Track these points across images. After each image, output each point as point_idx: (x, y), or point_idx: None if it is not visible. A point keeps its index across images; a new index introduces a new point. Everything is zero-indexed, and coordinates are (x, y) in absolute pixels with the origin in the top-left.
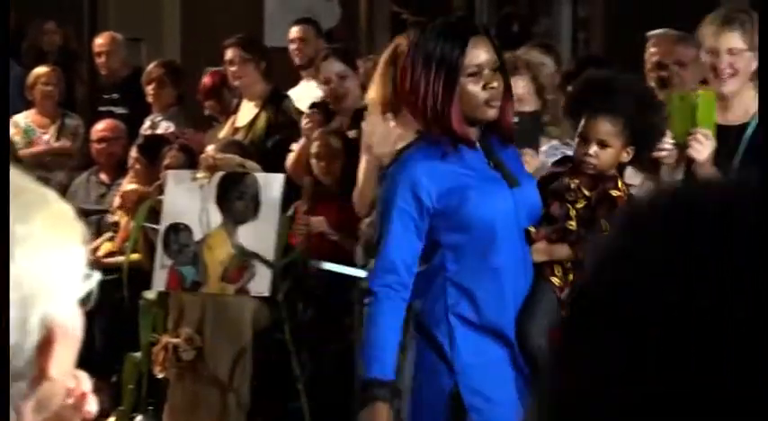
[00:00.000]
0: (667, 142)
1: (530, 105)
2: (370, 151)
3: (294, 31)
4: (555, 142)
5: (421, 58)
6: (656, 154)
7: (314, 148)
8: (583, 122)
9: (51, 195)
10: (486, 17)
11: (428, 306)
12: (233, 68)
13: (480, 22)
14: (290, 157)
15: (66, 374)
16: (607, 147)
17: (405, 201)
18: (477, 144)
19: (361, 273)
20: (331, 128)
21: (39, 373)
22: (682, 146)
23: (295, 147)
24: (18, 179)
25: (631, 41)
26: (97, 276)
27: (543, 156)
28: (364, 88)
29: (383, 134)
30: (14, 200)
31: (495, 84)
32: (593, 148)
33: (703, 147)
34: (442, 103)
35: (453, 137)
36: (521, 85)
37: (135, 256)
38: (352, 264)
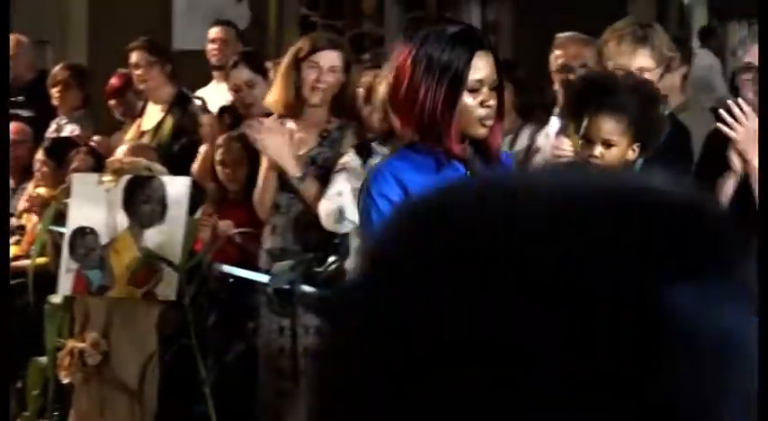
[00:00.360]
0: (567, 150)
1: None
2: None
3: (213, 32)
4: None
5: (423, 64)
6: (554, 153)
7: (218, 155)
8: (585, 123)
9: None
10: (395, 20)
11: None
12: (138, 71)
13: (487, 35)
14: (196, 162)
15: None
16: (612, 146)
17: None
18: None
19: (265, 278)
20: (235, 133)
21: None
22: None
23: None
24: None
25: (540, 44)
26: None
27: None
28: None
29: (279, 139)
30: None
31: (491, 102)
32: (598, 149)
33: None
34: (441, 114)
35: (446, 150)
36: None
37: (41, 260)
38: (256, 268)
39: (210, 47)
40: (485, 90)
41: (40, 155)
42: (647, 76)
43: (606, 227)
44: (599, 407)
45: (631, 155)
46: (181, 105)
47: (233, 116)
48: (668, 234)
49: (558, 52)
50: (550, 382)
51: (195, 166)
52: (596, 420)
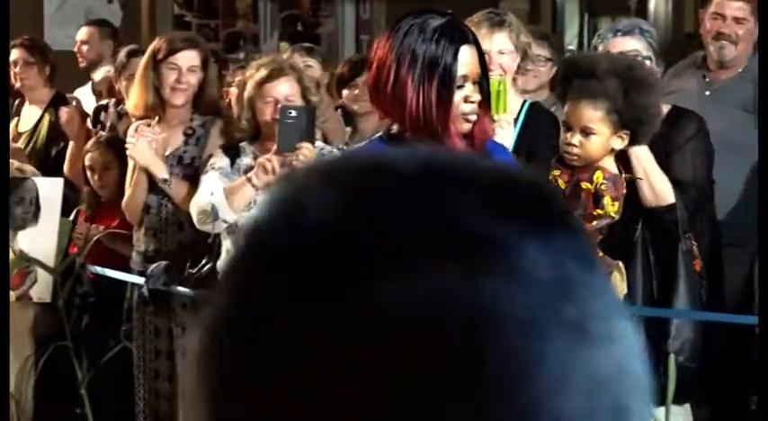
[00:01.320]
0: None
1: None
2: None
3: (80, 34)
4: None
5: (407, 58)
6: None
7: (87, 160)
8: (566, 109)
9: None
10: (269, 18)
11: None
12: (16, 69)
13: (470, 29)
14: (66, 163)
15: None
16: (591, 134)
17: None
18: None
19: (140, 280)
20: (102, 137)
21: None
22: None
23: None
24: None
25: None
26: None
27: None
28: None
29: (143, 142)
30: None
31: (475, 97)
32: (577, 137)
33: (507, 133)
34: (437, 112)
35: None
36: (287, 87)
37: None
38: (128, 270)
39: (80, 47)
40: (468, 85)
41: None
42: (506, 59)
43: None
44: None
45: (619, 143)
46: (57, 106)
47: (117, 114)
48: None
49: None
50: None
51: (66, 167)
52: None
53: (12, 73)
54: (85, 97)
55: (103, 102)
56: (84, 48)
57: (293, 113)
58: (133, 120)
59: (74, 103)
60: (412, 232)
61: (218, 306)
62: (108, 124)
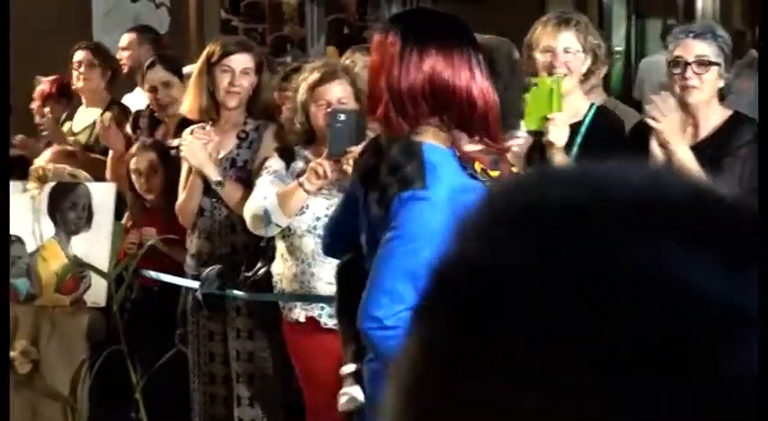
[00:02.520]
0: (521, 132)
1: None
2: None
3: (125, 40)
4: None
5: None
6: (508, 143)
7: (132, 164)
8: None
9: None
10: (315, 22)
11: None
12: (81, 70)
13: None
14: (107, 169)
15: None
16: None
17: None
18: None
19: (193, 284)
20: (148, 141)
21: None
22: (536, 132)
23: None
24: None
25: None
26: None
27: None
28: None
29: (196, 145)
30: None
31: None
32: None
33: (561, 132)
34: (492, 107)
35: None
36: (339, 90)
37: None
38: (182, 274)
39: (123, 54)
40: None
41: None
42: (571, 58)
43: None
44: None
45: None
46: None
47: (150, 120)
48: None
49: None
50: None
51: (107, 174)
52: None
53: (75, 74)
54: (134, 102)
55: (141, 107)
56: (125, 54)
57: (342, 117)
58: (170, 125)
59: (112, 112)
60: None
61: (427, 340)
62: (146, 130)
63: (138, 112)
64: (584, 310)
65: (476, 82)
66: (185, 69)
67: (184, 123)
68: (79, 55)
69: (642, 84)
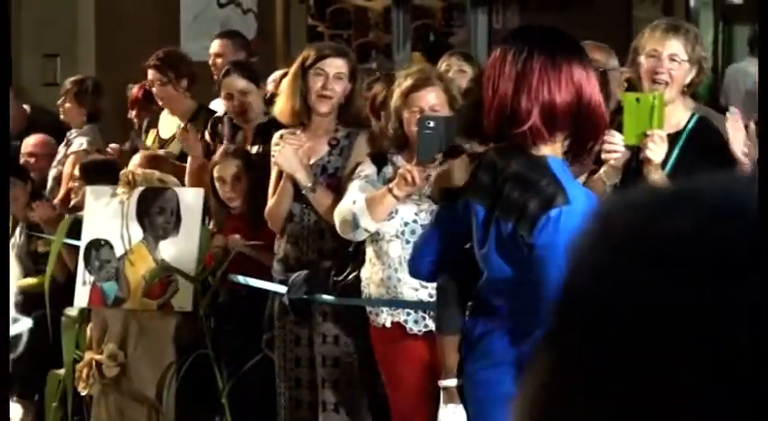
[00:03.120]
0: (618, 144)
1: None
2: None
3: (215, 46)
4: None
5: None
6: (604, 156)
7: (216, 172)
8: None
9: None
10: (401, 28)
11: None
12: (154, 89)
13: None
14: (186, 176)
15: None
16: None
17: None
18: None
19: (281, 288)
20: (231, 148)
21: None
22: (633, 147)
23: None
24: None
25: None
26: (27, 322)
27: None
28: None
29: (289, 150)
30: None
31: None
32: None
33: (660, 149)
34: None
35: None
36: (433, 97)
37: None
38: (269, 279)
39: (214, 60)
40: None
41: (68, 167)
42: (675, 66)
43: None
44: None
45: None
46: (202, 117)
47: (232, 126)
48: None
49: None
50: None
51: (187, 182)
52: None
53: (153, 89)
54: (220, 108)
55: (219, 114)
56: (219, 60)
57: (432, 123)
58: (248, 132)
59: (196, 121)
60: None
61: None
62: (225, 136)
63: (217, 119)
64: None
65: (600, 98)
66: (272, 76)
67: (262, 129)
68: (150, 74)
69: (728, 90)
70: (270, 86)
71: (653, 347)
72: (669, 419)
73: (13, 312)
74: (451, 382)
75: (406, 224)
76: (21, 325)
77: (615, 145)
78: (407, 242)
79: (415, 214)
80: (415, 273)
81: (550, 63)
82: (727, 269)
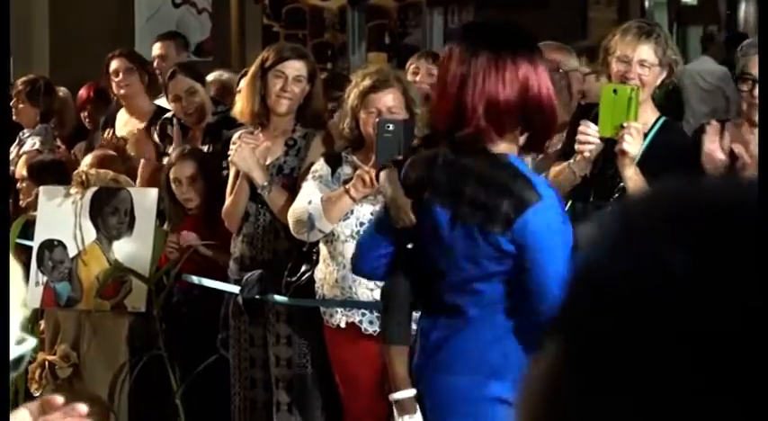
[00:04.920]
0: (593, 135)
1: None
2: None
3: (156, 48)
4: None
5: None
6: (578, 147)
7: (172, 173)
8: None
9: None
10: (356, 29)
11: None
12: (117, 78)
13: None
14: (137, 181)
15: None
16: None
17: None
18: None
19: (234, 289)
20: (186, 149)
21: None
22: (609, 139)
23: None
24: None
25: None
26: (32, 342)
27: None
28: None
29: (246, 149)
30: None
31: None
32: None
33: (635, 142)
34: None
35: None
36: (390, 99)
37: None
38: (224, 279)
39: (159, 63)
40: None
41: (21, 171)
42: (646, 72)
43: None
44: None
45: None
46: (158, 121)
47: (181, 127)
48: None
49: None
50: None
51: (138, 184)
52: None
53: (113, 83)
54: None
55: (168, 115)
56: (163, 63)
57: (391, 127)
58: (197, 132)
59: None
60: None
61: (564, 350)
62: (175, 137)
63: (165, 120)
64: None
65: (551, 92)
66: (211, 75)
67: (212, 129)
68: (115, 63)
69: (687, 90)
70: (212, 87)
71: (676, 337)
72: (689, 404)
73: None
74: (407, 393)
75: (361, 224)
76: None
77: (590, 136)
78: None
79: (371, 214)
80: (359, 270)
81: (494, 60)
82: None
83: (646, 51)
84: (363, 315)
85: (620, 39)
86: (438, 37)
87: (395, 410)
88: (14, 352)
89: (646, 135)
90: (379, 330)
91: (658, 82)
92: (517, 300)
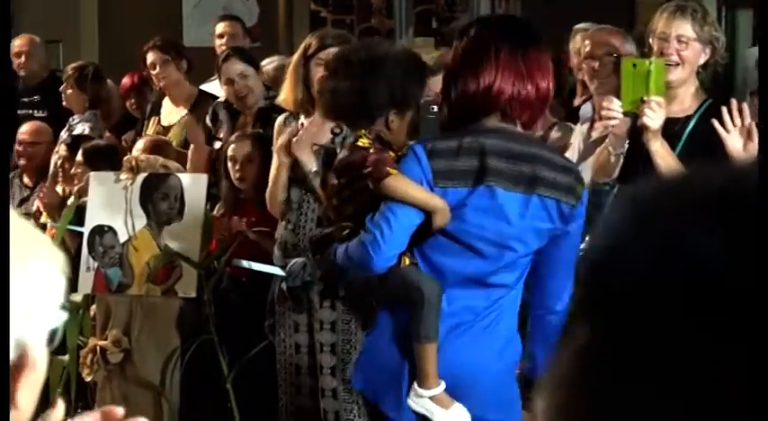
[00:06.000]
0: (616, 110)
1: None
2: (283, 153)
3: (220, 27)
4: None
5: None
6: (603, 123)
7: (230, 151)
8: None
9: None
10: (404, 14)
11: None
12: (155, 71)
13: None
14: (188, 165)
15: (31, 406)
16: None
17: None
18: None
19: (282, 273)
20: (247, 131)
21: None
22: (632, 114)
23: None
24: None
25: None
26: (64, 315)
27: None
28: None
29: (294, 134)
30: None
31: None
32: None
33: (657, 116)
34: None
35: None
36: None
37: None
38: (271, 265)
39: (218, 42)
40: None
41: (62, 151)
42: (684, 47)
43: None
44: None
45: None
46: (202, 104)
47: (232, 111)
48: None
49: (586, 42)
50: None
51: (188, 168)
52: None
53: (152, 75)
54: (215, 90)
55: (220, 100)
56: (220, 42)
57: (435, 108)
58: (249, 118)
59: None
60: None
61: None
62: (226, 122)
63: (217, 105)
64: None
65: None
66: (266, 61)
67: (263, 114)
68: (150, 56)
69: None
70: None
71: (708, 320)
72: (720, 387)
73: None
74: (441, 388)
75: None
76: None
77: (613, 111)
78: None
79: None
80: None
81: (512, 52)
82: None
83: (682, 27)
84: None
85: (658, 17)
86: None
87: (434, 407)
88: (52, 324)
89: (690, 118)
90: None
91: (701, 61)
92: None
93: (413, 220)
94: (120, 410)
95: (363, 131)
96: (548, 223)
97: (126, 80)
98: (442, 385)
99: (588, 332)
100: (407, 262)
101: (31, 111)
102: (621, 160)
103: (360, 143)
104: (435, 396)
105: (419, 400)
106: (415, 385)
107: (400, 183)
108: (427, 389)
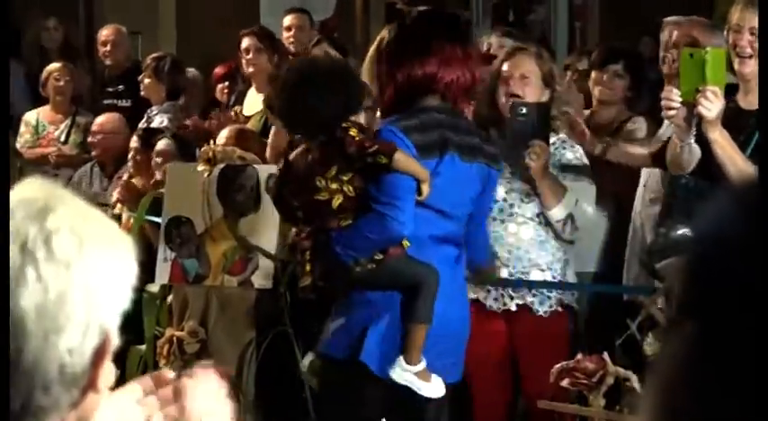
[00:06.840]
0: (675, 100)
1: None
2: None
3: (289, 19)
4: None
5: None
6: (664, 113)
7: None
8: None
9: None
10: (481, 6)
11: None
12: (248, 56)
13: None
14: (268, 150)
15: (107, 390)
16: None
17: None
18: None
19: None
20: None
21: (89, 383)
22: (690, 103)
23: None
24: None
25: (627, 28)
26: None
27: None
28: None
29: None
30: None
31: None
32: None
33: (713, 106)
34: None
35: None
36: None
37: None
38: None
39: (286, 34)
40: None
41: (134, 143)
42: (756, 39)
43: None
44: None
45: None
46: None
47: None
48: None
49: (676, 32)
50: None
51: (268, 153)
52: None
53: (244, 61)
54: None
55: None
56: (288, 34)
57: (524, 110)
58: None
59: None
60: None
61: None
62: None
63: None
64: None
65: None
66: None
67: None
68: (246, 41)
69: None
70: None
71: None
72: None
73: None
74: (423, 364)
75: (495, 202)
76: None
77: (672, 101)
78: (500, 221)
79: (506, 193)
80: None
81: (452, 43)
82: None
83: (756, 19)
84: (488, 292)
85: (734, 10)
86: (563, 14)
87: (417, 379)
88: (124, 307)
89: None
90: (503, 307)
91: None
92: None
93: (414, 189)
94: (170, 374)
95: (349, 124)
96: (479, 186)
97: (218, 70)
98: (424, 362)
99: (697, 328)
100: (407, 243)
101: (115, 101)
102: (692, 151)
103: (351, 133)
104: (419, 371)
105: (403, 374)
106: (402, 360)
107: (407, 157)
108: (413, 365)
